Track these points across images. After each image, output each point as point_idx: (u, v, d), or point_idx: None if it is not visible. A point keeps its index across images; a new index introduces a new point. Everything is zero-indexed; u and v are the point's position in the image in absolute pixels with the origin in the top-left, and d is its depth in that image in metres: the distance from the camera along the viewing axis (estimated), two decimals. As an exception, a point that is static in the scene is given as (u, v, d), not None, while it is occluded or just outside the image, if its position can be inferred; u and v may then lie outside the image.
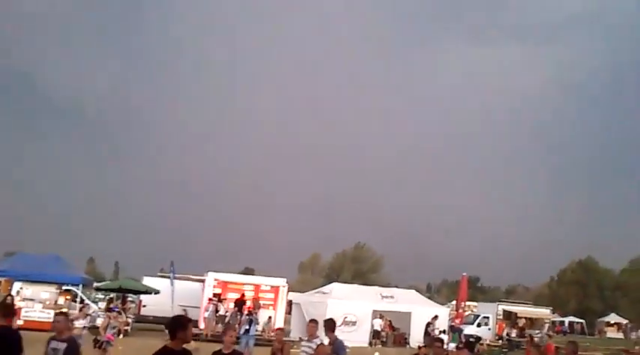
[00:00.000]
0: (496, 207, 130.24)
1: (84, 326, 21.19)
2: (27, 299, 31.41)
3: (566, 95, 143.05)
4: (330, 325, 12.59)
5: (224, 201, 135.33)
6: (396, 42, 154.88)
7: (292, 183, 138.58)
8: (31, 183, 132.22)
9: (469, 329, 45.17)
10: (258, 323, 28.78)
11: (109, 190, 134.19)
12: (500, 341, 46.63)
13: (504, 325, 50.00)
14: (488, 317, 48.87)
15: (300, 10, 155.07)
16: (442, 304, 51.45)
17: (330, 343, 11.88)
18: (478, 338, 42.04)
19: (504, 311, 51.64)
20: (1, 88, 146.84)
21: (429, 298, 52.84)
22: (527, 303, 59.94)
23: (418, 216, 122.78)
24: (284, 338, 15.41)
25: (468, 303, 51.75)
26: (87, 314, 22.38)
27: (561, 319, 74.19)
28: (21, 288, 34.85)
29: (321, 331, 13.09)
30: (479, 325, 47.62)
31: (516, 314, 53.13)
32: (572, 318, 77.82)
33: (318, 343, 11.87)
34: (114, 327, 21.74)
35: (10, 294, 20.67)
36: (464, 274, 40.20)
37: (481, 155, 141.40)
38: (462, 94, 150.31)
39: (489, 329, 48.30)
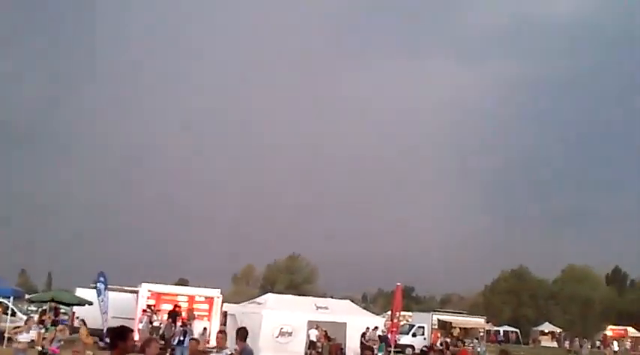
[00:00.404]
0: (431, 216, 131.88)
1: (31, 340, 20.90)
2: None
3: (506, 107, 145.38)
4: (241, 334, 12.71)
5: (158, 211, 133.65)
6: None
7: (229, 193, 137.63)
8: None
9: (404, 339, 45.79)
10: (192, 334, 28.61)
11: (41, 201, 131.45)
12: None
13: (439, 334, 50.58)
14: (423, 327, 49.53)
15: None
16: (378, 314, 51.92)
17: (239, 352, 12.01)
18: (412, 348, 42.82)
19: (439, 320, 52.30)
20: None
21: (364, 308, 53.25)
22: (461, 313, 60.73)
23: (354, 226, 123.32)
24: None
25: (403, 313, 52.37)
26: (30, 328, 21.95)
27: (496, 328, 75.43)
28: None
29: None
30: (414, 335, 48.26)
31: (451, 323, 53.84)
32: (507, 327, 79.10)
33: (228, 353, 11.98)
34: (60, 340, 21.47)
35: None
36: (398, 284, 40.64)
37: (417, 166, 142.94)
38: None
39: (424, 338, 48.90)
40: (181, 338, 27.40)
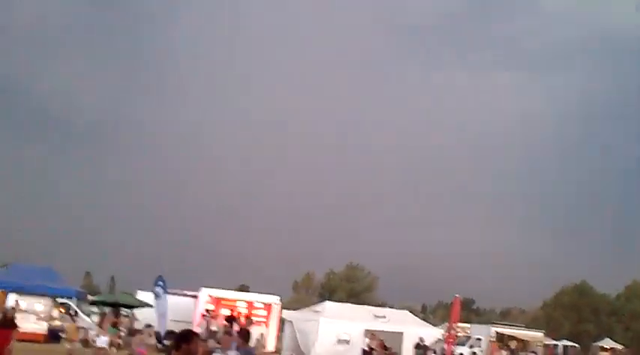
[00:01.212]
0: (495, 229, 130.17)
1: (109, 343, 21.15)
2: (22, 310, 31.63)
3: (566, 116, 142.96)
4: (243, 335, 12.61)
5: (220, 218, 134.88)
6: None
7: (291, 197, 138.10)
8: (30, 196, 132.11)
9: (461, 350, 45.39)
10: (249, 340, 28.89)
11: (106, 204, 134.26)
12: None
13: (497, 347, 50.02)
14: (480, 339, 49.03)
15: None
16: (436, 325, 51.52)
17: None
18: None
19: (497, 333, 51.78)
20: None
21: (423, 319, 52.95)
22: (519, 326, 60.08)
23: (415, 236, 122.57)
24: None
25: (461, 325, 51.92)
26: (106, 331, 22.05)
27: (555, 342, 74.16)
28: (16, 300, 35.35)
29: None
30: (471, 346, 47.80)
31: (508, 336, 53.26)
32: (566, 342, 77.72)
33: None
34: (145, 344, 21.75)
35: (12, 307, 21.00)
36: (456, 296, 40.34)
37: (478, 176, 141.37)
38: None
39: (482, 350, 48.44)
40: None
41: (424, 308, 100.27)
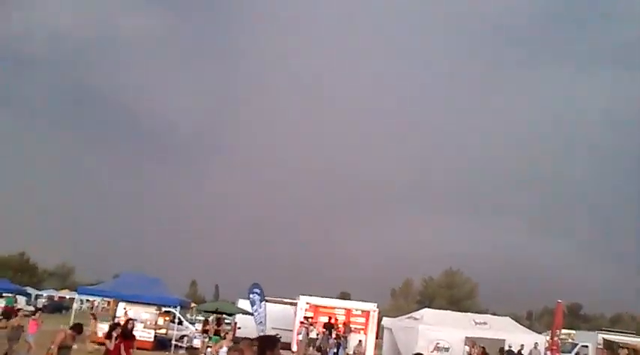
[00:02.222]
0: (605, 232, 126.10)
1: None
2: (130, 319, 32.88)
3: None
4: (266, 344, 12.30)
5: (323, 227, 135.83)
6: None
7: (390, 210, 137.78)
8: (138, 209, 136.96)
9: (566, 359, 44.22)
10: (347, 347, 29.20)
11: (209, 216, 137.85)
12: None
13: None
14: (587, 346, 47.46)
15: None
16: (541, 332, 50.31)
17: None
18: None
19: (604, 340, 49.94)
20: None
21: (529, 326, 51.90)
22: (630, 333, 57.77)
23: (520, 240, 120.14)
24: None
25: (566, 331, 50.55)
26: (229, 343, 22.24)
27: (671, 351, 70.59)
28: (125, 309, 36.88)
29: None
30: (577, 354, 46.35)
31: (618, 344, 51.32)
32: (688, 353, 73.35)
33: None
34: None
35: (130, 318, 21.83)
36: (559, 301, 39.53)
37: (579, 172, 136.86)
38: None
39: (588, 358, 46.97)
40: (335, 351, 27.98)
41: (530, 315, 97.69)
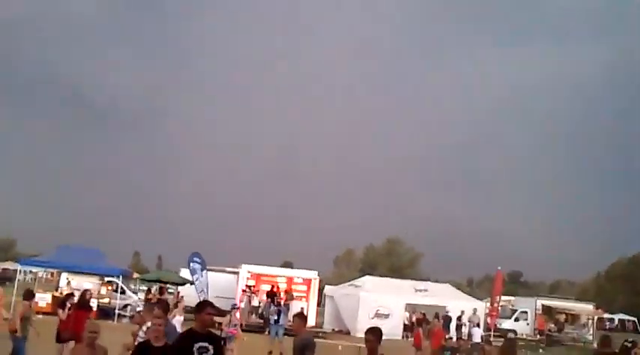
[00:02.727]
0: (544, 201, 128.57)
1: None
2: (73, 289, 32.76)
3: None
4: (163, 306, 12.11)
5: (265, 196, 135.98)
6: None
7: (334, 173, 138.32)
8: (79, 182, 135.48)
9: (506, 324, 45.28)
10: (288, 314, 29.43)
11: (151, 187, 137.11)
12: (539, 337, 46.43)
13: (544, 320, 49.41)
14: (526, 312, 48.61)
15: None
16: (482, 299, 51.31)
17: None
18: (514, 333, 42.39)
19: (543, 306, 51.11)
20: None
21: (469, 293, 52.95)
22: (568, 298, 59.11)
23: (457, 208, 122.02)
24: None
25: (506, 298, 51.69)
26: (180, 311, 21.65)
27: (610, 316, 71.47)
28: (67, 279, 36.75)
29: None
30: (516, 319, 47.49)
31: (556, 309, 52.56)
32: (622, 316, 74.47)
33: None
34: (235, 325, 21.37)
35: (88, 290, 21.05)
36: (499, 268, 40.44)
37: (527, 142, 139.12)
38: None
39: (527, 323, 48.08)
40: (276, 318, 28.23)
41: (470, 282, 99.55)
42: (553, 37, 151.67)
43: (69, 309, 16.91)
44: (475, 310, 37.64)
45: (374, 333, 8.16)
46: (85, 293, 18.05)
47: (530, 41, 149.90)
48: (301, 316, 12.52)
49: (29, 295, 16.36)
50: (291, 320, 34.75)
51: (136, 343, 10.84)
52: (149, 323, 10.72)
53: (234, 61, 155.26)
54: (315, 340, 11.03)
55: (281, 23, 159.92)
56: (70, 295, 18.67)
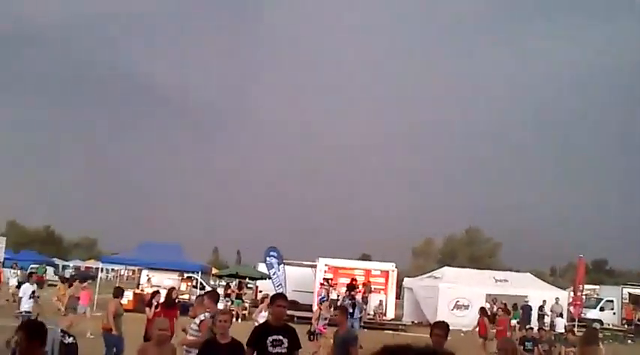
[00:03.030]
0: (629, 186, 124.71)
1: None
2: (154, 286, 33.34)
3: None
4: (212, 296, 11.71)
5: (344, 189, 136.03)
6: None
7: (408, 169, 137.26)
8: (158, 181, 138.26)
9: (591, 314, 44.11)
10: (364, 308, 29.32)
11: (229, 183, 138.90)
12: (627, 327, 44.96)
13: (631, 309, 47.89)
14: (612, 301, 47.23)
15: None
16: (565, 288, 50.08)
17: (211, 316, 11.17)
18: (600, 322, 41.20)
19: (630, 294, 49.62)
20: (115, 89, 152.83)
21: (552, 282, 51.79)
22: (656, 287, 57.19)
23: (541, 198, 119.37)
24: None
25: (591, 287, 50.39)
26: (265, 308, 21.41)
27: None
28: (148, 276, 37.45)
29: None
30: (602, 309, 46.19)
31: (644, 297, 50.92)
32: None
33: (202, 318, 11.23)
34: (325, 318, 20.95)
35: (174, 288, 20.89)
36: (580, 256, 39.44)
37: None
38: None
39: (614, 313, 46.71)
40: (351, 310, 28.06)
41: (553, 271, 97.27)
42: None
43: (156, 307, 16.77)
44: (557, 299, 36.74)
45: (442, 328, 7.97)
46: (171, 292, 17.78)
47: None
48: (342, 309, 12.32)
49: (119, 292, 16.75)
50: (370, 312, 34.89)
51: (188, 337, 10.90)
52: (202, 316, 10.80)
53: (318, 61, 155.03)
54: (394, 332, 10.94)
55: (364, 25, 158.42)
56: (157, 293, 18.46)
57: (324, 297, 26.53)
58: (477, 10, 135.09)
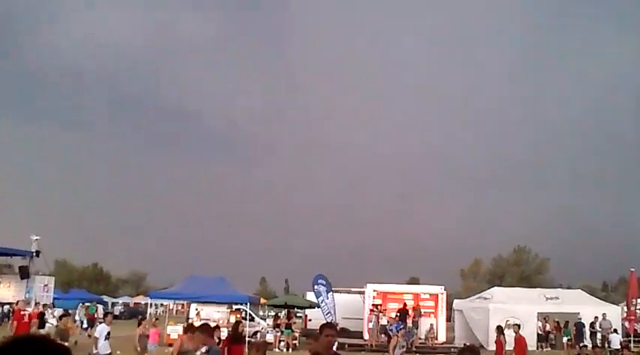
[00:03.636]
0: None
1: None
2: (203, 319, 33.49)
3: None
4: (207, 331, 11.77)
5: (389, 214, 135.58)
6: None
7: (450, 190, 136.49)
8: (205, 214, 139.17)
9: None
10: (416, 333, 29.16)
11: (270, 212, 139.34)
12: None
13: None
14: (667, 315, 46.06)
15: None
16: (618, 303, 49.07)
17: (206, 351, 10.95)
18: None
19: (684, 306, 48.33)
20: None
21: (604, 297, 50.86)
22: None
23: (589, 213, 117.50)
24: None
25: (643, 300, 49.35)
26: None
27: None
28: (197, 309, 37.61)
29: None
30: (658, 324, 45.07)
31: None
32: None
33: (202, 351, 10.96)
34: (402, 346, 20.80)
35: (240, 321, 19.88)
36: (632, 269, 38.76)
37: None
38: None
39: (672, 329, 45.52)
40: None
41: (605, 287, 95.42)
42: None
43: (218, 344, 15.47)
44: (604, 315, 35.85)
45: (333, 328, 8.08)
46: (237, 326, 17.37)
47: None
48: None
49: (190, 329, 16.27)
50: (422, 336, 34.67)
51: None
52: (203, 349, 10.89)
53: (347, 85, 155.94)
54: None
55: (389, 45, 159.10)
56: (217, 327, 17.52)
57: (400, 325, 25.89)
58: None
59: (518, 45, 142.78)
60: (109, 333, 19.39)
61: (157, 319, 25.73)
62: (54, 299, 55.95)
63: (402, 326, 24.89)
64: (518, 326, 27.51)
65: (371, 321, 33.98)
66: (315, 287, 34.49)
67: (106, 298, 71.61)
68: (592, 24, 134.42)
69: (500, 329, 24.66)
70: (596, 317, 35.76)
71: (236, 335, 16.47)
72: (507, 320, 35.16)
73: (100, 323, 22.54)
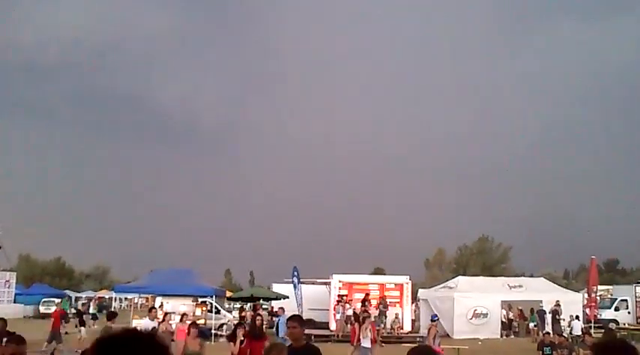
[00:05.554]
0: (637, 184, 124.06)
1: None
2: (168, 312, 33.28)
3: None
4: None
5: (353, 205, 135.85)
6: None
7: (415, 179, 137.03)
8: (167, 206, 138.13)
9: (607, 314, 43.97)
10: (384, 321, 29.35)
11: (235, 204, 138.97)
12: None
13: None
14: (626, 300, 47.04)
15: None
16: (579, 290, 49.92)
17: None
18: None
19: (643, 292, 49.28)
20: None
21: (566, 285, 51.61)
22: (670, 283, 56.86)
23: (549, 202, 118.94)
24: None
25: (604, 287, 50.22)
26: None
27: None
28: (162, 302, 37.34)
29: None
30: (617, 309, 46.01)
31: (659, 294, 50.58)
32: None
33: None
34: (440, 336, 20.12)
35: (259, 315, 18.79)
36: (592, 257, 39.43)
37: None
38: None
39: (629, 312, 46.50)
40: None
41: (567, 274, 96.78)
42: None
43: (241, 343, 14.90)
44: (557, 302, 35.91)
45: (296, 320, 8.19)
46: (255, 319, 16.50)
47: None
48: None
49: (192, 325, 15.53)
50: (387, 326, 34.91)
51: None
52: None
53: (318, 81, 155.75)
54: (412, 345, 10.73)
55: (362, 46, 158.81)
56: (240, 324, 16.76)
57: (435, 315, 25.02)
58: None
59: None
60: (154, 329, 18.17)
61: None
62: (16, 295, 55.43)
63: (437, 317, 23.59)
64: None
65: (338, 312, 34.09)
66: (293, 278, 34.60)
67: (69, 293, 70.68)
68: None
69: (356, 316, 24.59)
70: (557, 303, 35.64)
71: (256, 331, 15.86)
72: (475, 310, 35.70)
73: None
